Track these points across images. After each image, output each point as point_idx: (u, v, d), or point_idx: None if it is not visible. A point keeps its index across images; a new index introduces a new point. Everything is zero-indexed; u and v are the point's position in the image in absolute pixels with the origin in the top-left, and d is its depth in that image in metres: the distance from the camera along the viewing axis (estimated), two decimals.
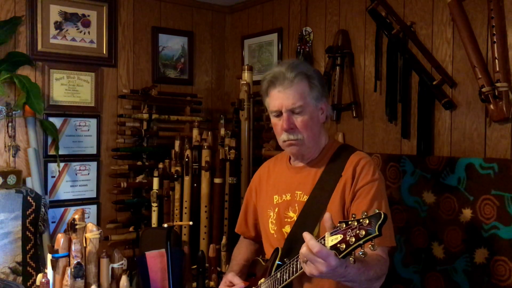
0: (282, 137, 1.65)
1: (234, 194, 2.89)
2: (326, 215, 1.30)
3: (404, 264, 2.28)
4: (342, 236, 1.22)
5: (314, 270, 1.26)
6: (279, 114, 1.64)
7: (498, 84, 1.96)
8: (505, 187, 1.92)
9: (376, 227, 1.16)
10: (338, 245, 1.22)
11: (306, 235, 1.27)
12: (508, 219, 1.91)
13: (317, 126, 1.68)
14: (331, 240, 1.24)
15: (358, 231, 1.18)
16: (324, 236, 1.27)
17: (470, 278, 2.03)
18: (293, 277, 1.45)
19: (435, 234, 2.16)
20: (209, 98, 3.64)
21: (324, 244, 1.25)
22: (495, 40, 1.97)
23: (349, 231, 1.20)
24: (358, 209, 1.54)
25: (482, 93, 2.00)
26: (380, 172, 1.66)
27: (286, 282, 1.49)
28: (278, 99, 1.62)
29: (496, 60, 1.96)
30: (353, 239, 1.19)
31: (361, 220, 1.20)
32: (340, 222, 1.25)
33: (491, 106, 1.98)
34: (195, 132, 3.06)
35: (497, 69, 1.96)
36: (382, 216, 1.17)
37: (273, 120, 1.68)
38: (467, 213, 2.04)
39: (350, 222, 1.22)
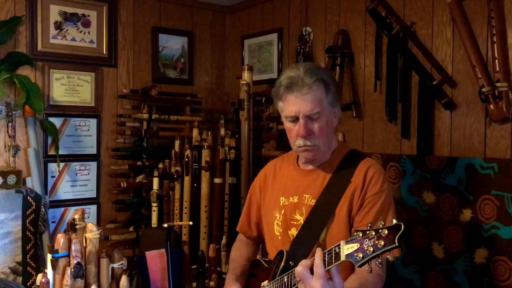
0: (297, 142, 1.63)
1: (234, 194, 2.89)
2: (318, 249, 1.33)
3: (404, 264, 2.28)
4: (358, 245, 1.21)
5: None
6: (295, 119, 1.61)
7: (498, 84, 1.96)
8: (505, 187, 1.92)
9: (396, 238, 1.15)
10: (355, 254, 1.21)
11: (317, 252, 1.32)
12: (508, 219, 1.91)
13: (332, 130, 1.67)
14: (347, 248, 1.23)
15: (376, 241, 1.18)
16: (339, 244, 1.26)
17: (470, 278, 2.03)
18: None
19: (435, 234, 2.16)
20: (209, 98, 3.64)
21: (339, 252, 1.25)
22: (495, 40, 1.97)
23: (366, 241, 1.20)
24: (364, 220, 1.55)
25: (482, 93, 2.00)
26: (388, 182, 1.65)
27: (295, 286, 1.47)
28: (295, 104, 1.59)
29: (496, 60, 1.96)
30: (371, 249, 1.18)
31: (379, 231, 1.19)
32: (356, 231, 1.24)
33: (491, 106, 1.98)
34: (195, 132, 3.06)
35: (497, 69, 1.96)
36: (402, 228, 1.16)
37: (288, 125, 1.65)
38: (467, 213, 2.04)
39: (367, 232, 1.21)
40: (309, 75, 1.58)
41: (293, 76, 1.60)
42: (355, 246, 1.22)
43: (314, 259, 1.31)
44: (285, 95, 1.62)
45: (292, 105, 1.60)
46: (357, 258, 1.21)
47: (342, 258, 1.25)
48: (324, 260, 1.31)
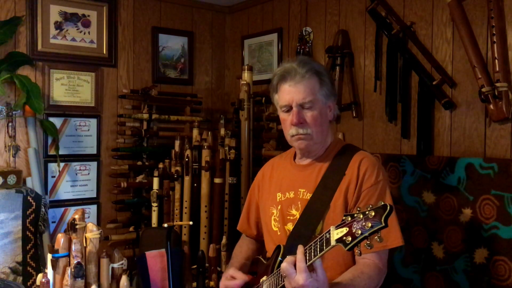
0: (290, 131, 1.66)
1: (234, 194, 2.89)
2: (299, 246, 1.37)
3: (404, 264, 2.28)
4: (348, 229, 1.23)
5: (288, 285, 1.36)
6: (289, 109, 1.65)
7: (498, 84, 1.96)
8: (505, 187, 1.92)
9: (382, 218, 1.17)
10: (344, 238, 1.23)
11: (299, 248, 1.37)
12: (508, 219, 1.91)
13: (325, 122, 1.69)
14: (337, 233, 1.25)
15: (364, 223, 1.20)
16: (329, 230, 1.28)
17: (470, 278, 2.03)
18: None
19: (435, 234, 2.16)
20: (209, 98, 3.64)
21: (329, 238, 1.27)
22: (495, 40, 1.97)
23: (354, 224, 1.22)
24: None
25: (482, 93, 2.00)
26: (384, 172, 1.67)
27: None
28: (289, 93, 1.63)
29: (496, 60, 1.96)
30: (359, 231, 1.20)
31: (366, 212, 1.21)
32: (345, 215, 1.26)
33: (491, 106, 1.98)
34: (195, 132, 3.06)
35: (497, 69, 1.96)
36: (388, 207, 1.18)
37: (282, 115, 1.69)
38: (467, 213, 2.05)
39: (355, 215, 1.23)
40: (302, 66, 1.63)
41: (287, 67, 1.65)
42: (344, 230, 1.24)
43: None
44: (279, 85, 1.67)
45: (286, 94, 1.64)
46: (346, 241, 1.23)
47: (332, 243, 1.27)
48: (307, 254, 1.35)
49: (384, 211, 1.18)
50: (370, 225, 1.18)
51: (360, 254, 1.23)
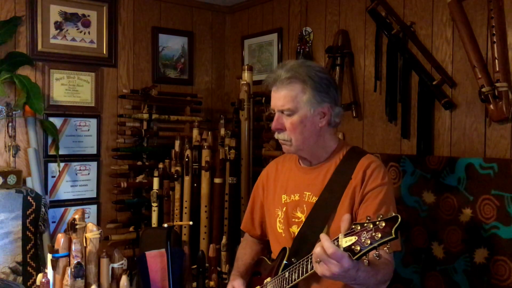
0: (275, 134, 1.70)
1: (234, 194, 2.89)
2: (346, 216, 1.30)
3: (404, 264, 2.28)
4: (356, 237, 1.21)
5: (326, 271, 1.27)
6: (275, 112, 1.67)
7: (498, 84, 1.96)
8: (505, 187, 1.92)
9: (393, 230, 1.16)
10: (353, 246, 1.22)
11: (322, 236, 1.28)
12: (508, 219, 1.91)
13: (311, 130, 1.63)
14: (345, 241, 1.24)
15: (373, 233, 1.18)
16: (338, 237, 1.26)
17: (470, 278, 2.03)
18: (303, 277, 1.45)
19: (435, 234, 2.16)
20: (209, 98, 3.64)
21: (337, 245, 1.25)
22: (495, 40, 1.97)
23: (364, 233, 1.20)
24: (365, 212, 1.54)
25: (482, 93, 2.00)
26: (389, 176, 1.66)
27: (295, 282, 1.49)
28: (273, 99, 1.66)
29: (496, 60, 1.96)
30: (369, 241, 1.19)
31: (377, 223, 1.19)
32: (354, 224, 1.24)
33: (491, 106, 1.98)
34: (195, 132, 3.06)
35: (497, 69, 1.96)
36: (399, 219, 1.16)
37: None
38: (467, 213, 2.05)
39: (365, 224, 1.21)
40: (287, 72, 1.61)
41: (275, 72, 1.66)
42: (353, 238, 1.22)
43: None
44: (270, 89, 1.69)
45: (272, 99, 1.67)
46: (355, 250, 1.21)
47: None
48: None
49: (395, 223, 1.16)
50: (380, 236, 1.17)
51: (368, 263, 1.22)
